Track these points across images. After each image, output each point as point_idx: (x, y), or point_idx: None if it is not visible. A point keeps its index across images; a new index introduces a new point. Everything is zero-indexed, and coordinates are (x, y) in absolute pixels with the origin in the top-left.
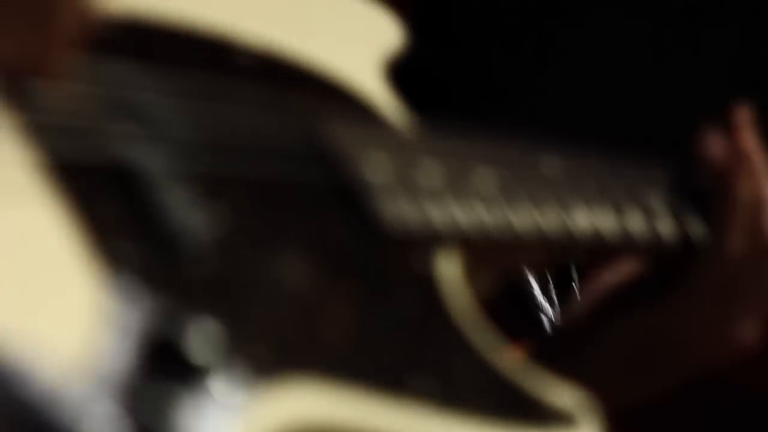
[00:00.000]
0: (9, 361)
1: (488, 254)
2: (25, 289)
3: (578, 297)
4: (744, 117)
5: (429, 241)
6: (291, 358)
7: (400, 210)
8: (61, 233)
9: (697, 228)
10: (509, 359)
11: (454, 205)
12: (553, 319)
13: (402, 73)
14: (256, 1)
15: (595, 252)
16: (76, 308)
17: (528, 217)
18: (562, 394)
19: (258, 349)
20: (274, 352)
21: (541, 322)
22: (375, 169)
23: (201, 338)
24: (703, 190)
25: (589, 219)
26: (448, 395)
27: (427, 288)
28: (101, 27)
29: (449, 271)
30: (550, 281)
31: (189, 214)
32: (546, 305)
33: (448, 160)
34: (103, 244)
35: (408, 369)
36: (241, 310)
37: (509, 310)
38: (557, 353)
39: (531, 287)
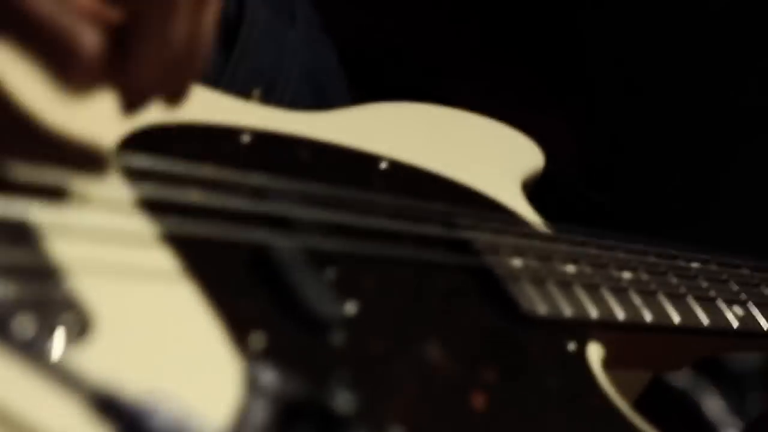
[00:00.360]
0: (169, 415)
1: (629, 348)
2: (178, 359)
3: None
4: None
5: (564, 326)
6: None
7: (537, 296)
8: (205, 310)
9: None
10: None
11: (589, 295)
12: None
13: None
14: (403, 126)
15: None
16: (222, 376)
17: (660, 310)
18: None
19: (393, 426)
20: (410, 426)
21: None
22: (513, 257)
23: (341, 403)
24: None
25: (732, 314)
26: None
27: (573, 368)
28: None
29: (592, 357)
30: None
31: (325, 294)
32: (720, 417)
33: (584, 257)
34: (243, 321)
35: None
36: (378, 385)
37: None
38: None
39: (702, 398)
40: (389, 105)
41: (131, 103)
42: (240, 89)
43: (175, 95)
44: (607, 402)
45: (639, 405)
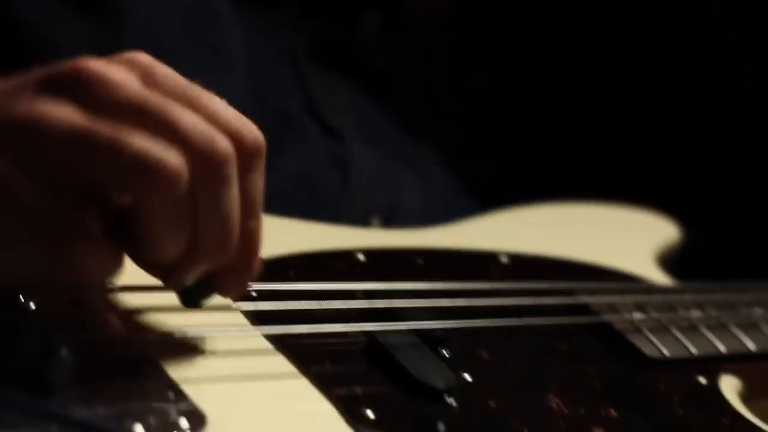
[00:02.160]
0: None
1: None
2: None
3: None
4: None
5: (693, 364)
6: None
7: (660, 341)
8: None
9: None
10: None
11: (716, 334)
12: None
13: None
14: (532, 225)
15: None
16: None
17: None
18: None
19: None
20: None
21: None
22: (634, 312)
23: None
24: None
25: None
26: None
27: (704, 398)
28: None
29: (726, 388)
30: None
31: (434, 368)
32: None
33: (711, 302)
34: (353, 401)
35: None
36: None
37: None
38: None
39: None
40: (520, 209)
41: (169, 278)
42: (359, 220)
43: (229, 279)
44: (741, 420)
45: None
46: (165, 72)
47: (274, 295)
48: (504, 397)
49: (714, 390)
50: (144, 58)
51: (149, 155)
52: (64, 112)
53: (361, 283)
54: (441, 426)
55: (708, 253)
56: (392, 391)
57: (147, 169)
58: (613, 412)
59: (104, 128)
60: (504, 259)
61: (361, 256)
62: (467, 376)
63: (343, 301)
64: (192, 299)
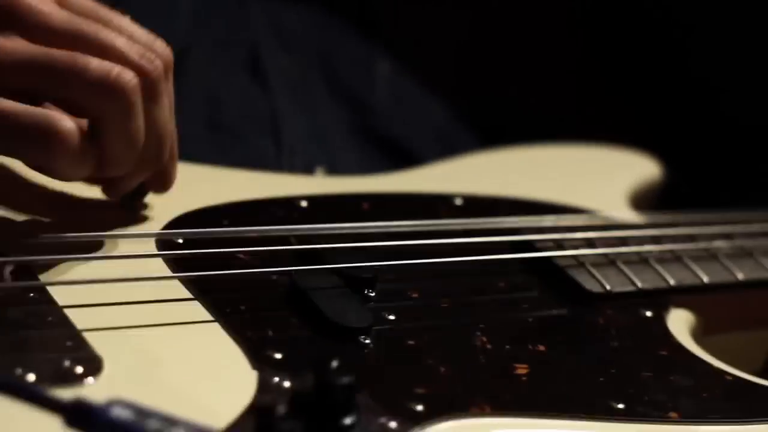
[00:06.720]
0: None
1: (734, 310)
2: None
3: None
4: None
5: (640, 297)
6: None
7: (603, 276)
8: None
9: None
10: None
11: (667, 267)
12: None
13: None
14: (496, 168)
15: None
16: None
17: (756, 267)
18: None
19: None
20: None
21: None
22: (580, 248)
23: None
24: None
25: None
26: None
27: (647, 331)
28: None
29: (674, 322)
30: None
31: (352, 308)
32: None
33: (669, 236)
34: (261, 343)
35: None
36: (406, 370)
37: None
38: None
39: None
40: (493, 152)
41: (115, 189)
42: (304, 170)
43: (159, 178)
44: (681, 351)
45: None
46: None
47: (201, 242)
48: (426, 336)
49: (658, 323)
50: None
51: (110, 72)
52: (17, 43)
53: (296, 227)
54: (334, 362)
55: (690, 193)
56: (307, 333)
57: (110, 84)
58: (541, 347)
59: (60, 54)
60: (458, 201)
61: (303, 203)
62: (390, 316)
63: (271, 246)
64: (127, 201)
